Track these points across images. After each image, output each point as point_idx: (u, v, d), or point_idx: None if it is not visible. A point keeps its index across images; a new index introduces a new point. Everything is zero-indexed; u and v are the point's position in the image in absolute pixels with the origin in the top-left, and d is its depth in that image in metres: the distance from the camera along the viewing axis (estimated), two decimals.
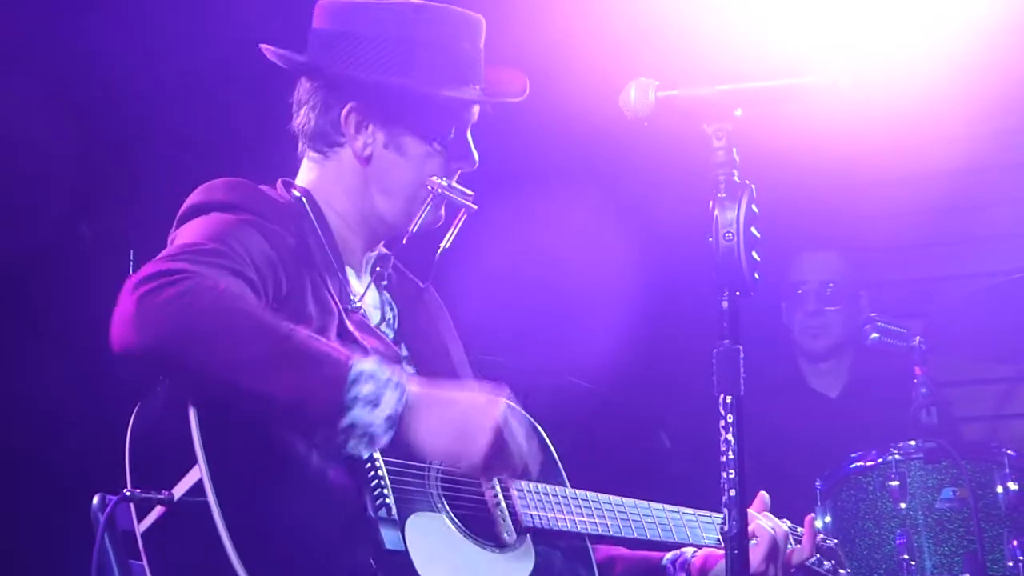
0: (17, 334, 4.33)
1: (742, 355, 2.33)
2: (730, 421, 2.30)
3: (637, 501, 2.93)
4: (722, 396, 2.32)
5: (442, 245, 2.93)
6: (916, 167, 5.73)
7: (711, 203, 2.35)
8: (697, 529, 3.01)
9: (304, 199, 2.87)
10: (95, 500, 2.72)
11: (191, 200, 2.75)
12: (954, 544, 3.98)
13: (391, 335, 2.94)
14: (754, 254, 2.33)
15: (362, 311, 2.83)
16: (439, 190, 2.86)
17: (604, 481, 2.94)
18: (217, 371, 2.37)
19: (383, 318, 2.95)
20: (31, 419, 4.24)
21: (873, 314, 4.39)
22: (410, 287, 3.06)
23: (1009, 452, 4.07)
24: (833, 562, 3.32)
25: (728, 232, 2.32)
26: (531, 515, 2.71)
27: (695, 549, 3.04)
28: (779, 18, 4.97)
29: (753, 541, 2.95)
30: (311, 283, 2.71)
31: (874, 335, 4.36)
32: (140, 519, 2.47)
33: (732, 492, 2.29)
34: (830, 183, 5.64)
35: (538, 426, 2.88)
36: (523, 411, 2.85)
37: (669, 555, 3.05)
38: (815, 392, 5.20)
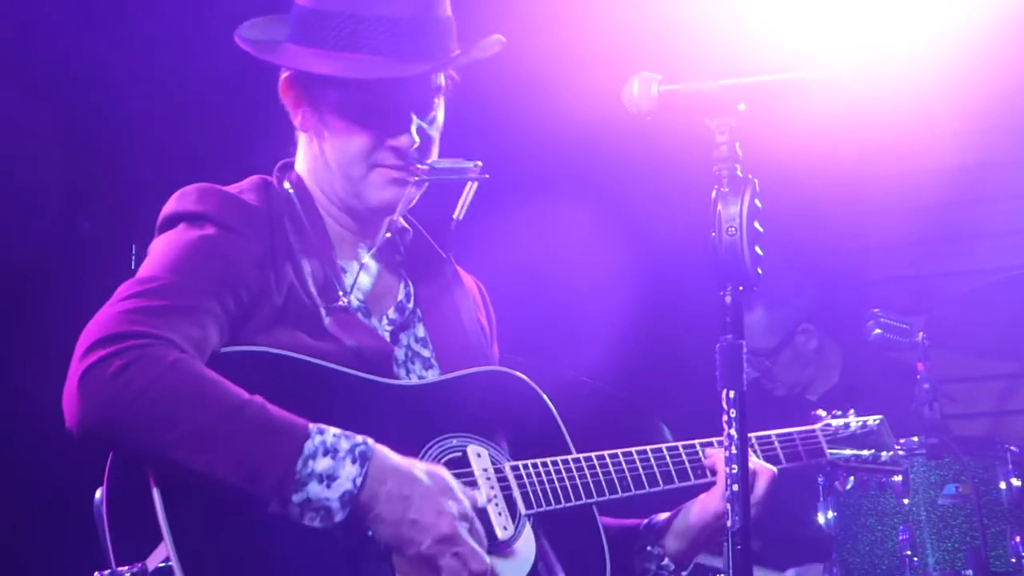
0: (17, 330, 4.33)
1: (745, 350, 2.33)
2: (733, 416, 2.30)
3: (637, 449, 2.87)
4: (725, 391, 2.31)
5: (454, 216, 2.88)
6: (917, 163, 5.73)
7: (713, 197, 2.34)
8: (686, 467, 2.93)
9: (292, 191, 2.82)
10: (97, 495, 2.72)
11: (165, 209, 2.72)
12: (957, 540, 3.97)
13: (398, 317, 2.87)
14: (757, 249, 2.33)
15: (351, 305, 2.77)
16: (423, 177, 2.79)
17: None
18: (163, 450, 2.34)
19: (393, 300, 2.89)
20: (31, 416, 4.23)
21: (876, 310, 4.38)
22: (431, 257, 2.99)
23: (1012, 448, 4.06)
24: (872, 448, 3.26)
25: (731, 227, 2.32)
26: (530, 500, 2.67)
27: (666, 513, 2.99)
28: (779, 14, 4.96)
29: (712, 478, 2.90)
30: (287, 286, 2.66)
31: (877, 331, 4.35)
32: None
33: (735, 487, 2.28)
34: (831, 180, 5.63)
35: (540, 393, 2.85)
36: (528, 379, 2.85)
37: (645, 521, 3.01)
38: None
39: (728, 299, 2.33)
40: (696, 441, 2.94)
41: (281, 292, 2.65)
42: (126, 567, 2.42)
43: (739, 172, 2.35)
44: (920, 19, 5.19)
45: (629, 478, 2.83)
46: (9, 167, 4.28)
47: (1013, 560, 3.94)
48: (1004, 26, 5.28)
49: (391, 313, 2.88)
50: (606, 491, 2.79)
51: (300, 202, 2.81)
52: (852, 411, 3.32)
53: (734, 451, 2.29)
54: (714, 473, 2.91)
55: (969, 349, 4.85)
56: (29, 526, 4.23)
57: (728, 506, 2.29)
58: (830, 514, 4.16)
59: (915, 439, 4.09)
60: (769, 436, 3.09)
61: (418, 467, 2.50)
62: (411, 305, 2.92)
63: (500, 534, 2.63)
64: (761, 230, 2.34)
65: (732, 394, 2.31)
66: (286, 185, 2.83)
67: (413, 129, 2.78)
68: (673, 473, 2.90)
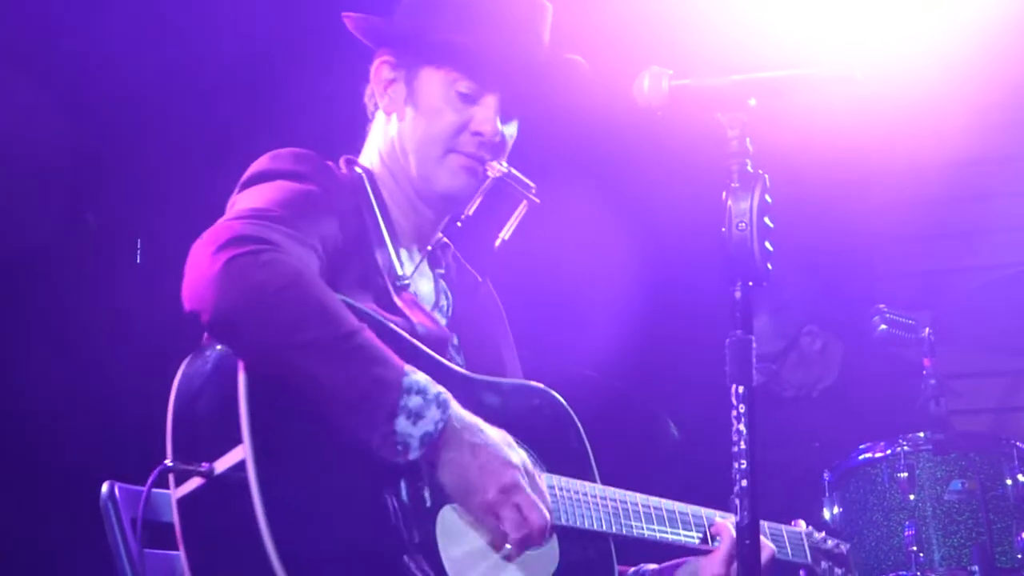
0: (24, 323, 4.33)
1: (754, 345, 2.33)
2: (742, 411, 2.29)
3: (664, 501, 2.91)
4: (734, 386, 2.31)
5: (500, 236, 2.92)
6: (925, 158, 5.72)
7: (724, 193, 2.34)
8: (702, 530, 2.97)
9: (364, 176, 2.88)
10: (104, 488, 2.73)
11: (256, 167, 2.76)
12: (963, 536, 3.97)
13: (443, 322, 2.93)
14: (767, 244, 2.32)
15: (412, 289, 2.84)
16: (498, 173, 2.86)
17: (612, 472, 2.93)
18: (280, 350, 2.38)
19: (436, 305, 2.95)
20: (38, 409, 4.24)
21: (882, 305, 4.38)
22: (468, 280, 3.07)
23: (1018, 444, 4.06)
24: (843, 570, 3.32)
25: (741, 222, 2.31)
26: (559, 513, 2.69)
27: (654, 565, 3.02)
28: (789, 10, 4.96)
29: (716, 542, 2.93)
30: (361, 259, 2.73)
31: (882, 327, 4.35)
32: (177, 486, 2.47)
33: (744, 482, 2.28)
34: (838, 175, 5.63)
35: (574, 417, 2.88)
36: (563, 401, 2.88)
37: (632, 569, 3.03)
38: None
39: (738, 295, 2.33)
40: (704, 511, 2.97)
41: (359, 262, 2.72)
42: (192, 465, 2.42)
43: (749, 167, 2.35)
44: (930, 15, 5.18)
45: (665, 528, 2.88)
46: (15, 160, 4.27)
47: (1019, 556, 3.94)
48: (1013, 20, 5.27)
49: (436, 314, 2.93)
50: (633, 530, 2.82)
51: (371, 188, 2.87)
52: (824, 532, 3.36)
53: (743, 447, 2.28)
54: (715, 540, 2.93)
55: (975, 344, 4.85)
56: (35, 516, 4.23)
57: (736, 502, 2.29)
58: (836, 510, 4.16)
59: (921, 435, 4.09)
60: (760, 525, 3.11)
61: (484, 423, 2.55)
62: (450, 315, 2.98)
63: None
64: (771, 225, 2.33)
65: (741, 390, 2.30)
66: (357, 169, 2.90)
67: (498, 121, 2.86)
68: (693, 529, 2.94)
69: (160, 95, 4.55)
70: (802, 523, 3.29)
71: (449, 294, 3.00)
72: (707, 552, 2.92)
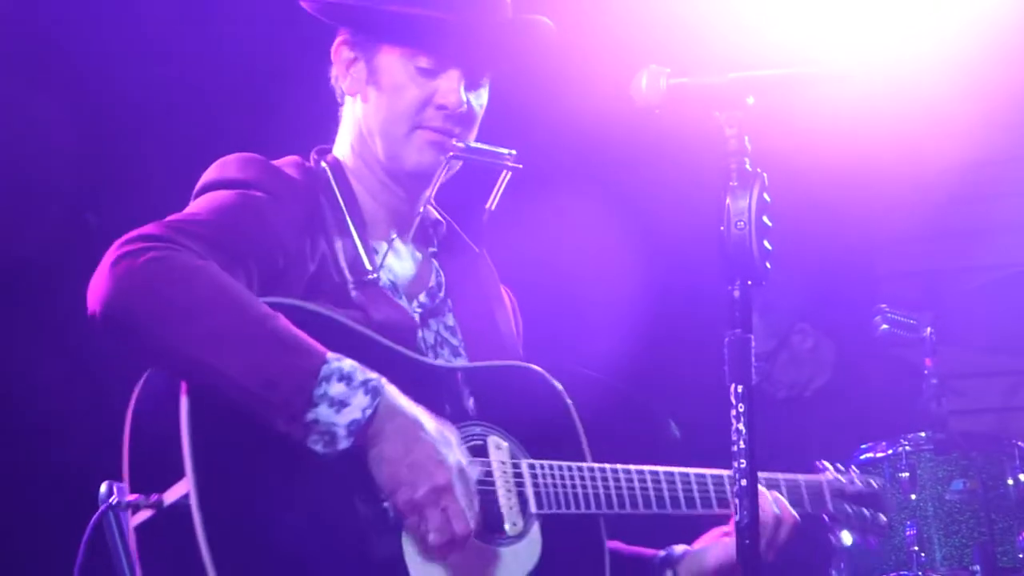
0: (24, 322, 4.33)
1: (753, 344, 2.32)
2: (741, 411, 2.29)
3: (653, 469, 2.83)
4: (733, 385, 2.30)
5: (487, 206, 2.89)
6: (926, 159, 5.71)
7: (723, 191, 2.33)
8: (710, 495, 2.90)
9: (329, 169, 2.84)
10: (102, 488, 2.72)
11: (205, 176, 2.74)
12: (964, 536, 3.97)
13: (428, 302, 2.88)
14: (766, 243, 2.32)
15: (384, 279, 2.78)
16: (454, 151, 2.81)
17: None
18: (181, 344, 2.33)
19: (424, 286, 2.90)
20: (37, 409, 4.24)
21: (883, 305, 4.38)
22: (464, 252, 3.01)
23: (1020, 444, 4.06)
24: (872, 510, 3.27)
25: (740, 221, 2.31)
26: (542, 501, 2.64)
27: (685, 546, 2.99)
28: (789, 8, 4.95)
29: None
30: (317, 260, 2.68)
31: (884, 326, 4.35)
32: (134, 513, 2.45)
33: (743, 482, 2.28)
34: (840, 174, 5.62)
35: (564, 395, 2.83)
36: (550, 377, 2.83)
37: (662, 552, 3.00)
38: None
39: (736, 293, 2.32)
40: (725, 472, 2.89)
41: (314, 261, 2.67)
42: (142, 496, 2.40)
43: (748, 166, 2.35)
44: (931, 14, 5.17)
45: (647, 496, 2.80)
46: (17, 160, 4.27)
47: (1021, 556, 3.94)
48: (1015, 21, 5.26)
49: (422, 297, 2.88)
50: (616, 505, 2.75)
51: (336, 179, 2.83)
52: (854, 467, 3.33)
53: (743, 446, 2.28)
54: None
55: (977, 345, 4.85)
56: (35, 516, 4.23)
57: (736, 500, 2.28)
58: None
59: (922, 434, 4.08)
60: (776, 479, 3.07)
61: (425, 416, 2.48)
62: (442, 293, 2.92)
63: (509, 529, 2.61)
64: (770, 224, 2.33)
65: (740, 389, 2.30)
66: (323, 164, 2.86)
67: (462, 91, 2.81)
68: (697, 500, 2.86)
69: (161, 95, 4.55)
70: (827, 465, 3.25)
71: (440, 272, 2.95)
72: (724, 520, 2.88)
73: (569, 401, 2.83)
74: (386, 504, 2.44)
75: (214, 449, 2.35)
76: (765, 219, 2.32)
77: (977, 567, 3.93)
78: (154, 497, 2.38)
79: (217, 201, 2.63)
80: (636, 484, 2.78)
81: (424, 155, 2.82)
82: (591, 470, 2.74)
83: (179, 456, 2.33)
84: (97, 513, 2.46)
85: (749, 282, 2.32)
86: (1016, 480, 4.00)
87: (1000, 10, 5.17)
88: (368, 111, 2.85)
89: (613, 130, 4.47)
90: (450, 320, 2.90)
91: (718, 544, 2.94)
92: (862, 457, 4.15)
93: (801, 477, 3.15)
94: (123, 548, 2.70)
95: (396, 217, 2.89)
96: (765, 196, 2.33)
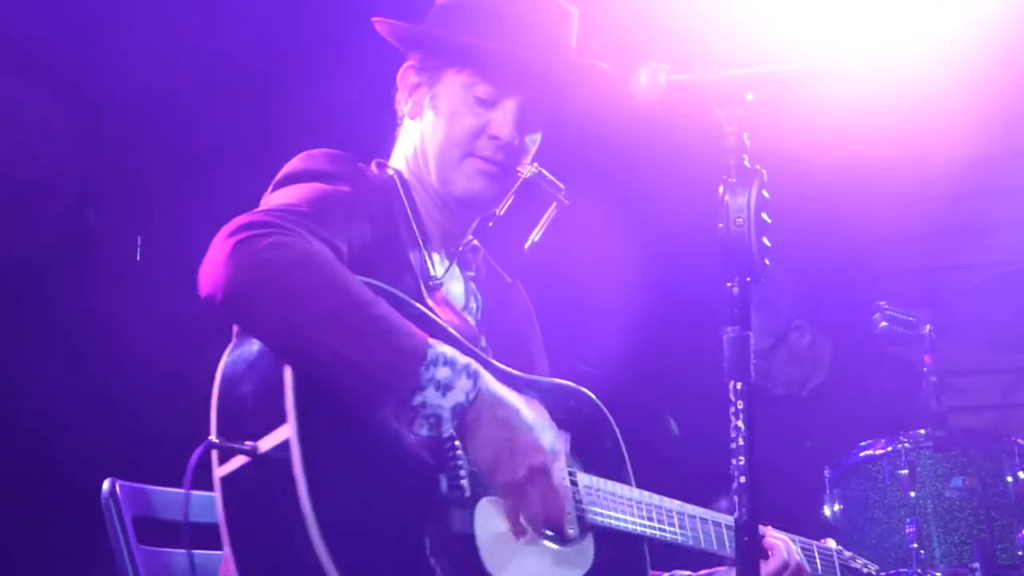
0: (24, 320, 4.33)
1: (752, 341, 2.32)
2: (740, 408, 2.29)
3: (697, 509, 2.92)
4: (732, 382, 2.30)
5: (531, 238, 2.94)
6: (926, 155, 5.71)
7: (721, 188, 2.33)
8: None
9: (396, 177, 2.90)
10: (105, 485, 2.73)
11: (290, 167, 2.77)
12: (964, 533, 3.96)
13: (473, 323, 2.94)
14: (764, 240, 2.32)
15: (444, 289, 2.85)
16: (529, 174, 2.88)
17: None
18: (295, 326, 2.38)
19: (466, 306, 2.96)
20: (37, 407, 4.24)
21: (883, 302, 4.37)
22: (498, 282, 3.08)
23: (1019, 441, 4.05)
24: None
25: (739, 217, 2.31)
26: (596, 511, 2.70)
27: (688, 573, 3.04)
28: (788, 6, 4.95)
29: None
30: (394, 259, 2.74)
31: (883, 324, 4.34)
32: (220, 464, 2.46)
33: (742, 479, 2.28)
34: (839, 172, 5.62)
35: (610, 419, 2.89)
36: (599, 402, 2.89)
37: (667, 574, 3.03)
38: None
39: (735, 290, 2.32)
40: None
41: (391, 262, 2.73)
42: (238, 443, 2.41)
43: (747, 163, 2.34)
44: (930, 11, 5.17)
45: (698, 535, 2.89)
46: (17, 159, 4.28)
47: (1020, 553, 3.94)
48: (1014, 18, 5.26)
49: (466, 315, 2.95)
50: (661, 532, 2.82)
51: (403, 190, 2.89)
52: (851, 552, 3.38)
53: (742, 443, 2.28)
54: (766, 556, 2.95)
55: (976, 342, 4.84)
56: (35, 516, 4.23)
57: (735, 498, 2.28)
58: (836, 507, 4.16)
59: (922, 431, 4.08)
60: (793, 538, 3.11)
61: (520, 400, 2.56)
62: (479, 317, 2.99)
63: (570, 532, 2.65)
64: (769, 221, 2.33)
65: (739, 386, 2.30)
66: (389, 171, 2.91)
67: (516, 126, 2.87)
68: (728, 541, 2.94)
69: (161, 93, 4.55)
70: (831, 542, 3.29)
71: (479, 296, 3.01)
72: None
73: (615, 427, 2.90)
74: (464, 481, 2.49)
75: (316, 403, 2.38)
76: (764, 216, 2.32)
77: (976, 564, 3.93)
78: (249, 444, 2.40)
79: (307, 190, 2.67)
80: (686, 518, 2.88)
81: (473, 183, 2.88)
82: (640, 494, 2.82)
83: (276, 406, 2.37)
84: (199, 450, 2.43)
85: (748, 279, 2.32)
86: (1015, 477, 4.00)
87: (998, 7, 5.17)
88: (426, 134, 2.91)
89: (613, 126, 4.46)
90: (483, 342, 2.93)
91: (720, 573, 3.00)
92: (861, 454, 4.15)
93: (814, 544, 3.22)
94: (124, 537, 2.71)
95: (446, 237, 2.96)
96: (764, 193, 2.33)
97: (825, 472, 4.19)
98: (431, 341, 2.44)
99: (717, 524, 2.94)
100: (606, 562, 2.71)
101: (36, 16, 4.34)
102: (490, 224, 2.96)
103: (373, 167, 2.92)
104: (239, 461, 2.43)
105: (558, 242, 4.86)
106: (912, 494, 4.01)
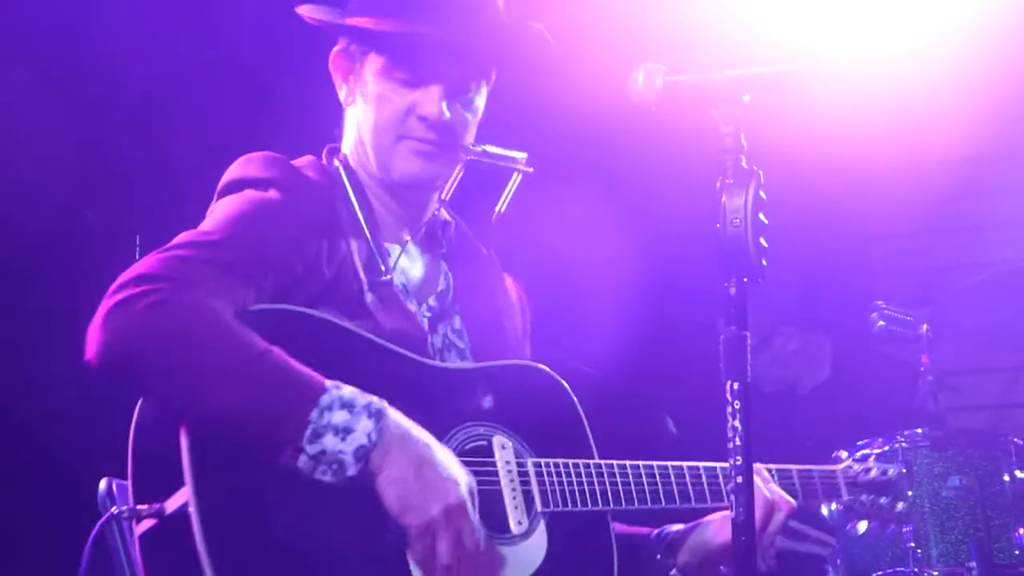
0: (22, 319, 4.33)
1: (749, 341, 2.32)
2: (737, 408, 2.29)
3: (659, 464, 2.86)
4: (729, 382, 2.31)
5: (497, 208, 2.92)
6: (923, 155, 5.72)
7: (718, 189, 2.33)
8: (720, 489, 2.91)
9: (341, 168, 2.86)
10: (102, 485, 2.72)
11: (229, 174, 2.75)
12: (960, 532, 3.96)
13: (437, 305, 2.90)
14: (762, 240, 2.32)
15: (394, 284, 2.80)
16: (468, 156, 2.84)
17: None
18: (180, 391, 2.35)
19: (433, 290, 2.92)
20: (35, 406, 4.23)
21: (880, 302, 4.38)
22: (473, 254, 3.03)
23: (1016, 440, 4.06)
24: (889, 498, 3.29)
25: (736, 218, 2.31)
26: (547, 499, 2.67)
27: (680, 525, 3.00)
28: (785, 6, 4.95)
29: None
30: (337, 259, 2.70)
31: (881, 323, 4.35)
32: (138, 522, 2.46)
33: (739, 479, 2.28)
34: (836, 172, 5.63)
35: (569, 392, 2.85)
36: (555, 375, 2.85)
37: (656, 530, 3.01)
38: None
39: (732, 290, 2.33)
40: (718, 465, 2.91)
41: (332, 266, 2.68)
42: (144, 506, 2.41)
43: (744, 163, 2.35)
44: (928, 10, 5.17)
45: (655, 491, 2.82)
46: (15, 157, 4.27)
47: (1017, 552, 3.94)
48: (1011, 16, 5.26)
49: (431, 301, 2.90)
50: (623, 501, 2.77)
51: (348, 180, 2.85)
52: (873, 457, 3.33)
53: (738, 443, 2.28)
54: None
55: (974, 341, 4.85)
56: (34, 516, 4.23)
57: (732, 497, 2.29)
58: (833, 506, 4.15)
59: (919, 431, 4.08)
60: (789, 470, 3.09)
61: (427, 436, 2.49)
62: (451, 296, 2.94)
63: (514, 528, 2.63)
64: (766, 221, 2.33)
65: (736, 386, 2.30)
66: (335, 163, 2.88)
67: (444, 103, 2.81)
68: (706, 493, 2.89)
69: (160, 90, 4.55)
70: (843, 455, 3.25)
71: (449, 274, 2.97)
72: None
73: (575, 398, 2.85)
74: (389, 519, 2.43)
75: (213, 457, 2.36)
76: (761, 216, 2.33)
77: (973, 564, 3.92)
78: (156, 505, 2.40)
79: (235, 210, 2.64)
80: (644, 479, 2.81)
81: (410, 164, 2.83)
82: (597, 466, 2.76)
83: (176, 468, 2.35)
84: (101, 520, 2.47)
85: (745, 279, 2.33)
86: (1012, 476, 4.00)
87: (994, 7, 5.17)
88: (360, 121, 2.88)
89: (609, 127, 4.47)
90: (457, 323, 2.92)
91: (714, 520, 2.94)
92: (858, 454, 4.15)
93: (815, 468, 3.17)
94: (125, 556, 2.70)
95: (403, 220, 2.91)
96: (761, 193, 2.33)
97: None
98: (328, 384, 2.39)
99: (695, 475, 2.88)
100: (564, 544, 2.67)
101: (36, 15, 4.34)
102: (441, 204, 2.94)
103: (324, 156, 2.89)
104: (151, 522, 2.42)
105: (558, 243, 4.87)
106: (909, 493, 4.01)
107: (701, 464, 2.92)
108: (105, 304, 2.38)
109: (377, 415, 2.41)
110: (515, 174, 2.89)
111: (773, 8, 4.90)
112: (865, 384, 5.14)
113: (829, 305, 5.43)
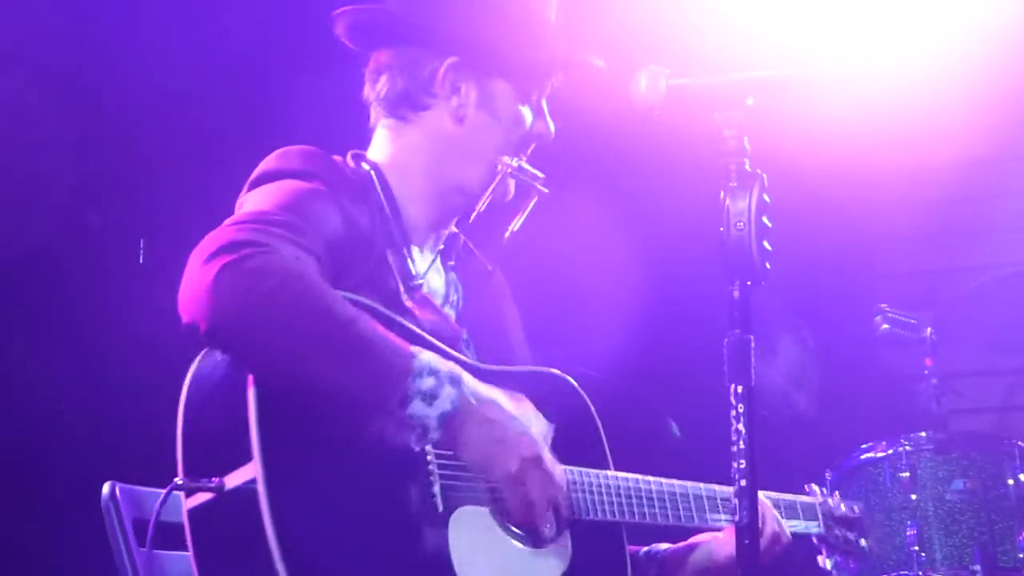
0: (26, 323, 4.33)
1: (753, 344, 2.32)
2: (741, 411, 2.29)
3: (677, 483, 2.91)
4: (732, 386, 2.31)
5: (511, 228, 2.92)
6: (926, 158, 5.72)
7: (722, 192, 2.34)
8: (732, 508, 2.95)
9: (373, 172, 2.84)
10: (105, 489, 2.73)
11: (265, 166, 2.72)
12: (964, 536, 3.97)
13: (453, 315, 2.91)
14: (765, 243, 2.32)
15: (424, 288, 2.81)
16: (509, 170, 2.85)
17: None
18: (281, 355, 2.36)
19: (447, 300, 2.92)
20: (38, 409, 4.24)
21: (884, 305, 4.38)
22: (478, 269, 3.03)
23: (1020, 444, 4.06)
24: (855, 533, 3.32)
25: (739, 221, 2.31)
26: (573, 507, 2.68)
27: (668, 544, 3.04)
28: (788, 8, 4.95)
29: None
30: (373, 258, 2.70)
31: (884, 326, 4.35)
32: (188, 496, 2.45)
33: (743, 482, 2.28)
34: (839, 174, 5.63)
35: (587, 401, 2.88)
36: (576, 384, 2.88)
37: (645, 549, 3.03)
38: None
39: (736, 294, 2.33)
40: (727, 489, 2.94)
41: (368, 265, 2.69)
42: (203, 480, 2.40)
43: (747, 167, 2.35)
44: (930, 13, 5.17)
45: (676, 509, 2.88)
46: (18, 160, 4.28)
47: (1021, 556, 3.94)
48: (1014, 20, 5.26)
49: (447, 309, 2.91)
50: (646, 516, 2.83)
51: (380, 185, 2.83)
52: (837, 493, 3.37)
53: (742, 446, 2.28)
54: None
55: (977, 344, 4.85)
56: (35, 517, 4.24)
57: (735, 500, 2.29)
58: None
59: (923, 434, 4.08)
60: (776, 500, 3.13)
61: (503, 394, 2.59)
62: (459, 308, 2.96)
63: (544, 532, 2.64)
64: (770, 225, 2.33)
65: (740, 389, 2.30)
66: (365, 166, 2.85)
67: (551, 123, 2.93)
68: (720, 512, 2.94)
69: (163, 94, 4.55)
70: (816, 489, 3.29)
71: (459, 287, 2.98)
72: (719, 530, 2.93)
73: (593, 408, 2.89)
74: (436, 497, 2.50)
75: (282, 436, 2.37)
76: (765, 220, 2.33)
77: (977, 567, 3.93)
78: (215, 480, 2.39)
79: (286, 193, 2.62)
80: (666, 495, 2.87)
81: (509, 188, 2.89)
82: (616, 478, 2.80)
83: (242, 442, 2.34)
84: (165, 492, 2.43)
85: (749, 282, 2.33)
86: (1016, 480, 4.01)
87: (998, 9, 5.17)
88: (472, 134, 2.86)
89: (612, 131, 4.47)
90: (464, 334, 2.91)
91: (701, 546, 2.98)
92: (862, 457, 4.15)
93: (797, 498, 3.22)
94: (124, 542, 2.71)
95: (431, 231, 2.91)
96: (765, 197, 2.33)
97: (826, 475, 4.19)
98: (414, 350, 2.44)
99: (698, 497, 2.93)
100: (584, 554, 2.70)
101: (38, 15, 4.35)
102: (470, 220, 2.93)
103: (348, 159, 2.87)
104: (206, 496, 2.41)
105: (561, 246, 4.87)
106: (913, 496, 4.02)
107: (716, 487, 2.95)
108: (206, 269, 2.36)
109: (457, 382, 2.47)
110: (534, 195, 2.91)
111: (775, 13, 4.90)
112: (869, 387, 5.13)
113: (832, 308, 5.43)
